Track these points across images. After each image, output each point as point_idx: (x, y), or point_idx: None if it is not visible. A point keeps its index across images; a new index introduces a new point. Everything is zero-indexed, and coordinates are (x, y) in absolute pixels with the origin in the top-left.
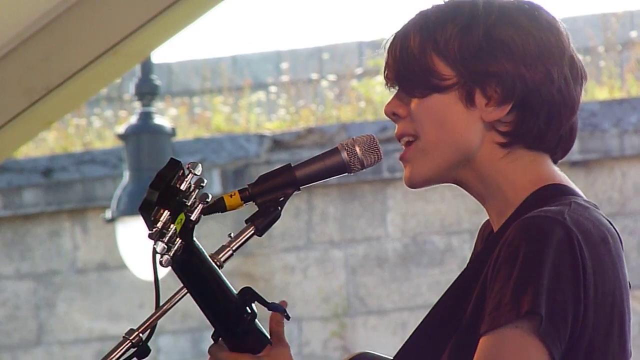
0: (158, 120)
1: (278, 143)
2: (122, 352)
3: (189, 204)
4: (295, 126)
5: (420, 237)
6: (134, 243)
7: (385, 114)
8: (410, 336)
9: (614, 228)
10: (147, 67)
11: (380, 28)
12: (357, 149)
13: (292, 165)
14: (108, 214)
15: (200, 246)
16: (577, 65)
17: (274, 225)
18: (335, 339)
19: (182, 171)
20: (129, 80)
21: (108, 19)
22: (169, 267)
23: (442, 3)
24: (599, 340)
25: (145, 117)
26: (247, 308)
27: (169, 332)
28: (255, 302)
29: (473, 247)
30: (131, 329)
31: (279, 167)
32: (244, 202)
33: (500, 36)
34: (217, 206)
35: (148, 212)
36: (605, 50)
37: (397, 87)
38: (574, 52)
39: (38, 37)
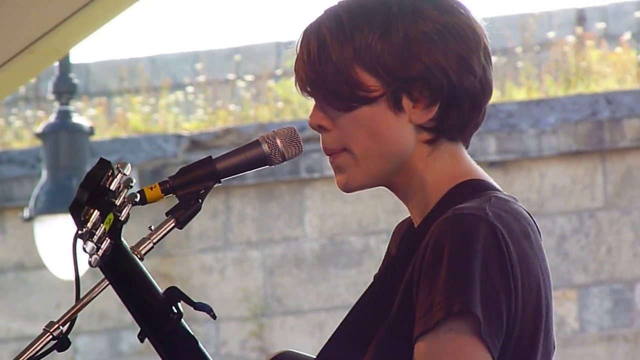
0: (76, 119)
1: (196, 143)
2: (42, 344)
3: (117, 204)
4: (212, 126)
5: (338, 238)
6: (52, 242)
7: (311, 126)
8: (333, 335)
9: (533, 220)
10: (65, 66)
11: (298, 29)
12: (278, 141)
13: (213, 158)
14: (26, 213)
15: (128, 246)
16: (488, 49)
17: (191, 226)
18: (253, 339)
19: (111, 171)
20: (46, 80)
21: (24, 17)
22: (88, 266)
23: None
24: (527, 334)
25: (64, 115)
26: (173, 308)
27: (86, 332)
28: (181, 301)
29: (387, 248)
30: (51, 322)
31: (200, 159)
32: (165, 195)
33: (420, 37)
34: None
35: (78, 212)
36: (523, 51)
37: (315, 97)
38: (484, 35)
39: None
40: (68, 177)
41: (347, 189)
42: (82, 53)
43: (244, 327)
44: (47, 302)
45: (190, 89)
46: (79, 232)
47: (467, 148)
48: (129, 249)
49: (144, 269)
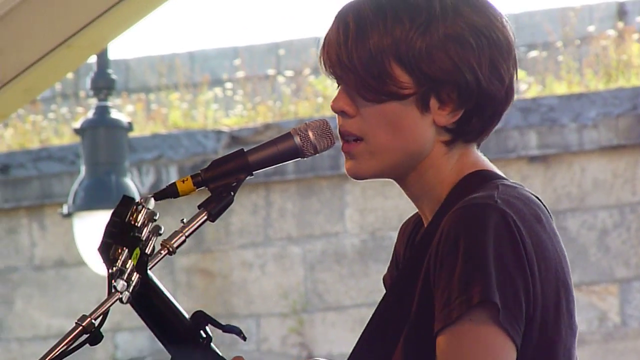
0: (115, 114)
1: (236, 139)
2: (74, 338)
3: (143, 239)
4: (252, 122)
5: (379, 233)
6: (92, 238)
7: (333, 109)
8: (359, 340)
9: (543, 204)
10: (103, 61)
11: None
12: (310, 133)
13: (245, 150)
14: (65, 209)
15: (153, 276)
16: (516, 58)
17: (231, 222)
18: (294, 335)
19: (135, 206)
20: (85, 77)
21: (62, 11)
22: (119, 303)
23: None
24: (550, 316)
25: (102, 111)
26: (202, 332)
27: (126, 329)
28: (209, 324)
29: (394, 248)
30: (84, 315)
31: (232, 152)
32: (197, 188)
33: (458, 40)
34: (170, 191)
35: (106, 252)
36: (564, 45)
37: (342, 82)
38: (514, 44)
39: None
40: (107, 173)
41: (357, 176)
42: (121, 49)
43: (284, 323)
44: (88, 298)
45: (229, 84)
46: (110, 271)
47: (479, 146)
48: (154, 280)
49: (170, 297)
